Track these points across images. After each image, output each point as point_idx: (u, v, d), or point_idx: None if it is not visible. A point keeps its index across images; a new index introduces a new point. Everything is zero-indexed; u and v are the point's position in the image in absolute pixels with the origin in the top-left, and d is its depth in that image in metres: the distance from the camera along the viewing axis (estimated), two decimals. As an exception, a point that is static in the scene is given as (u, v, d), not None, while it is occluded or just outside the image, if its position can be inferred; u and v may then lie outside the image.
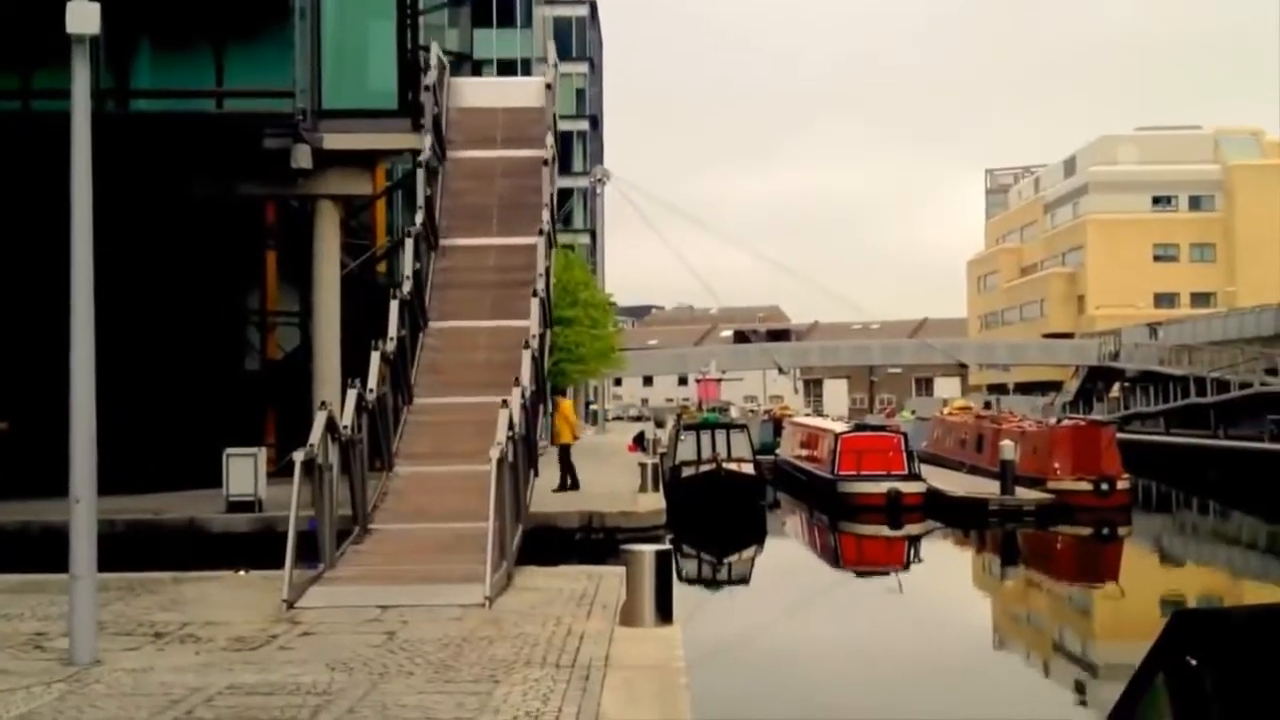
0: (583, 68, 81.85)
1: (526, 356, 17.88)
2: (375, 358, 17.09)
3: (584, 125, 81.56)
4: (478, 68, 57.39)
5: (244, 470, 21.51)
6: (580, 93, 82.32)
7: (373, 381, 16.63)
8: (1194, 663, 2.50)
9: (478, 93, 27.05)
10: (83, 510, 10.21)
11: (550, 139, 24.26)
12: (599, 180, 69.25)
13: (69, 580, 10.19)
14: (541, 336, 19.65)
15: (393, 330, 18.42)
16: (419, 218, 21.23)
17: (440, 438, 17.70)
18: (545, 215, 22.07)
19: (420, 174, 22.29)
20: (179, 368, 27.04)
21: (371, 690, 9.01)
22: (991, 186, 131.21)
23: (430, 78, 23.86)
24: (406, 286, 19.46)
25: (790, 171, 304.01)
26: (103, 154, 11.03)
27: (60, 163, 10.76)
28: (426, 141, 23.51)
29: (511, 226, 21.26)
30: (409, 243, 20.56)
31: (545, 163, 23.43)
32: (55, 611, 11.94)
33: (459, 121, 24.66)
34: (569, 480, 24.37)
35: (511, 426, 14.96)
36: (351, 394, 15.76)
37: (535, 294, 19.71)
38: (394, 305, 18.87)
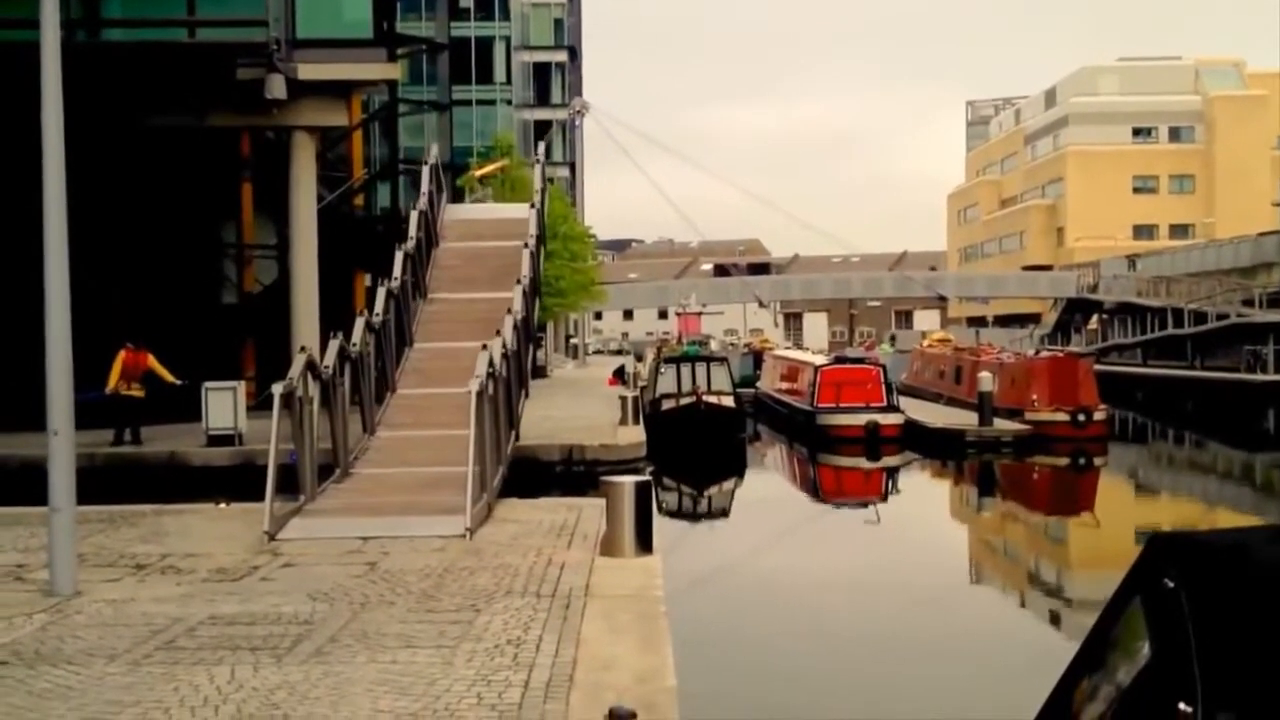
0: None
1: (518, 292, 18.28)
2: (359, 322, 17.37)
3: (562, 56, 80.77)
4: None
5: (223, 404, 21.49)
6: (559, 23, 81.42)
7: (356, 338, 16.82)
8: (1171, 585, 2.51)
9: (470, 211, 29.13)
10: (61, 442, 10.19)
11: (534, 214, 24.77)
12: (578, 112, 68.67)
13: (48, 512, 10.18)
14: (525, 319, 20.13)
15: (379, 309, 18.62)
16: (410, 245, 21.39)
17: (422, 415, 17.74)
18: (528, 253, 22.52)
19: (414, 215, 22.54)
20: (156, 301, 26.87)
21: (353, 620, 9.05)
22: (972, 118, 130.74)
23: (424, 189, 23.93)
24: (395, 283, 19.69)
25: (774, 106, 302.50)
26: (74, 85, 10.85)
27: (30, 94, 10.60)
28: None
29: (501, 286, 21.24)
30: (399, 255, 20.71)
31: (529, 229, 23.82)
32: (36, 544, 11.93)
33: (452, 226, 25.04)
34: None
35: (492, 365, 15.07)
36: (334, 343, 15.89)
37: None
38: (381, 291, 19.13)
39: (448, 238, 24.25)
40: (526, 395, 20.85)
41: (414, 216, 22.37)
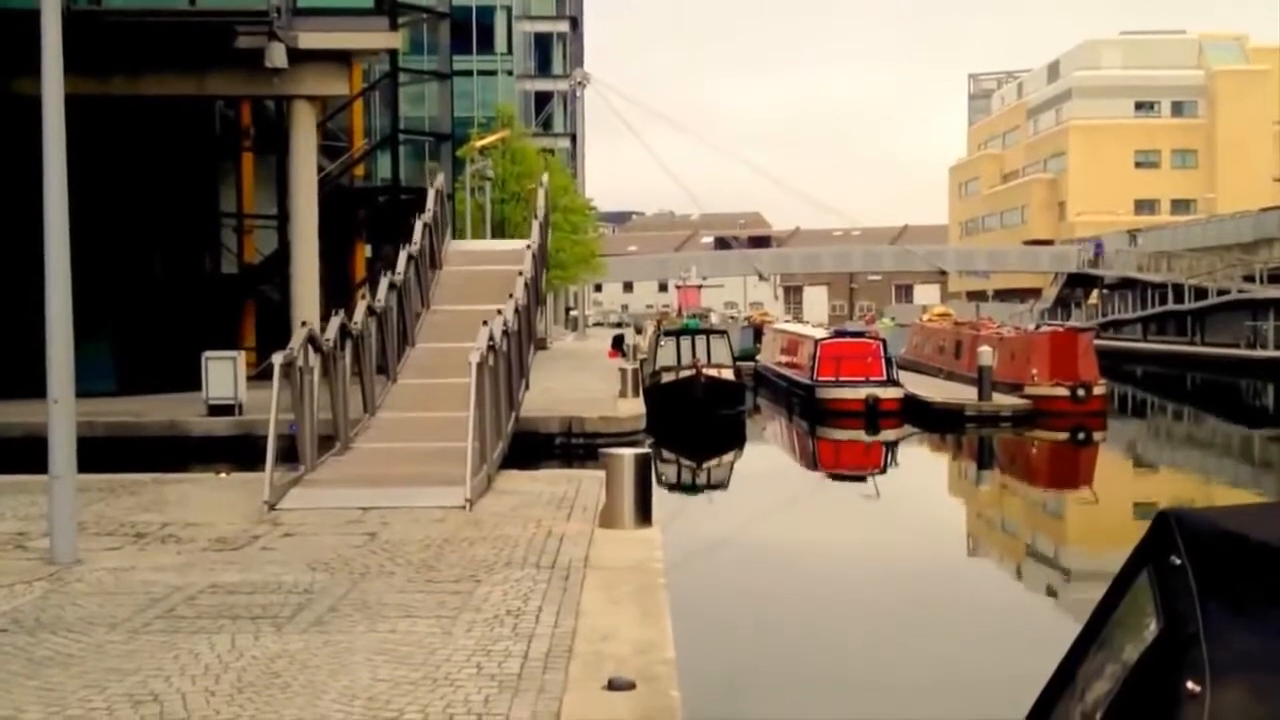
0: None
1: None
2: (362, 306, 17.39)
3: (564, 26, 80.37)
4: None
5: (223, 374, 21.50)
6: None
7: (358, 317, 16.85)
8: (1178, 562, 2.50)
9: (472, 245, 30.89)
10: (61, 411, 10.18)
11: (536, 227, 25.03)
12: (579, 83, 68.43)
13: (48, 480, 10.18)
14: (527, 309, 20.23)
15: (381, 295, 18.58)
16: (416, 245, 21.31)
17: (423, 401, 17.72)
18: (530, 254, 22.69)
19: (418, 224, 22.50)
20: (156, 270, 26.86)
21: (353, 589, 9.07)
22: (974, 92, 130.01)
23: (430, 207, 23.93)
24: (399, 277, 19.60)
25: (775, 79, 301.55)
26: (74, 54, 10.79)
27: (31, 63, 10.54)
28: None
29: (502, 300, 21.29)
30: (403, 254, 20.65)
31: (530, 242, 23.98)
32: (36, 512, 11.94)
33: (454, 256, 25.10)
34: None
35: (493, 339, 15.05)
36: (335, 319, 15.89)
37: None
38: (383, 282, 19.08)
39: (451, 262, 24.31)
40: (526, 387, 20.78)
41: (418, 226, 22.26)
